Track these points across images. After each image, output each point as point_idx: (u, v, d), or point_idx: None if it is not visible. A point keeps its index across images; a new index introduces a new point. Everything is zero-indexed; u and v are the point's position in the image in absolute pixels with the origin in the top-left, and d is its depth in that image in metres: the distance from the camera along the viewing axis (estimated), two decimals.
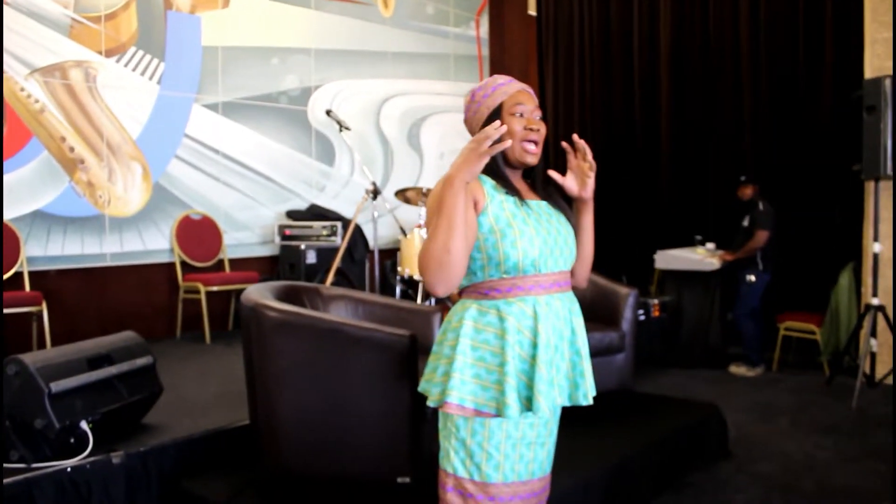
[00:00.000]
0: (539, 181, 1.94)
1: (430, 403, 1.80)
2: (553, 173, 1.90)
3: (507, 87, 1.85)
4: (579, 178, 1.89)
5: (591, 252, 1.98)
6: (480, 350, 1.76)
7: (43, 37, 5.34)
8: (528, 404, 1.74)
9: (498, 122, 1.60)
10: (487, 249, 1.75)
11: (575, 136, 1.87)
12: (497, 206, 1.76)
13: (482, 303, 1.79)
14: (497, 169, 1.82)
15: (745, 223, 5.83)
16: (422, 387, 1.84)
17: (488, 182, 1.81)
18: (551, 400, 1.75)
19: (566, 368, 1.83)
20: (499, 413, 1.73)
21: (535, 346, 1.74)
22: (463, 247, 1.65)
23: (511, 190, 1.80)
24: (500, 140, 1.63)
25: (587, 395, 1.83)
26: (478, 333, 1.77)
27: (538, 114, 1.85)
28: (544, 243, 1.76)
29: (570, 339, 1.83)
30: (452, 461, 1.80)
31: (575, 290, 1.97)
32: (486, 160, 1.63)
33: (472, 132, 1.88)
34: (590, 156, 1.86)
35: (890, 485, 3.52)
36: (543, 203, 1.88)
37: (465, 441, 1.78)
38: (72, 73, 5.50)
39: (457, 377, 1.75)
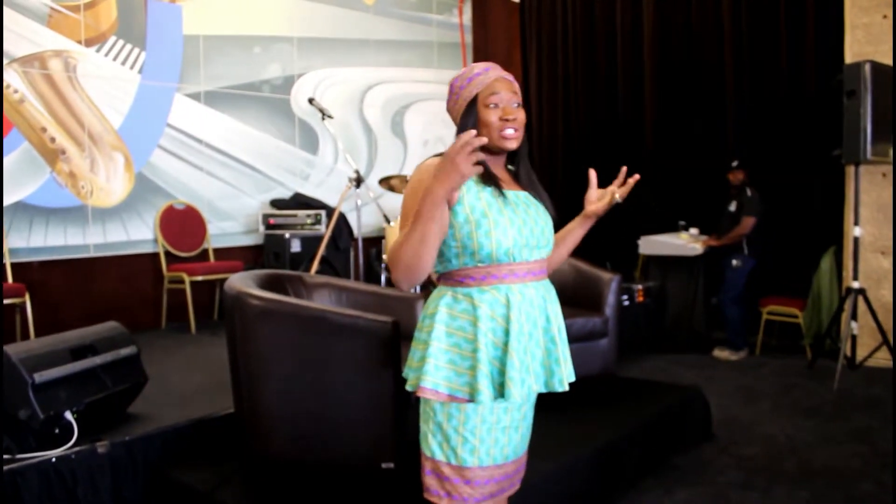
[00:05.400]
0: (523, 171, 1.94)
1: (408, 388, 1.83)
2: (592, 174, 2.03)
3: (483, 77, 1.85)
4: (602, 199, 2.00)
5: (562, 259, 2.07)
6: (455, 336, 1.78)
7: (20, 26, 5.28)
8: (501, 390, 1.75)
9: (474, 132, 1.56)
10: (462, 238, 1.76)
11: (626, 171, 2.03)
12: (473, 197, 1.77)
13: (457, 290, 1.81)
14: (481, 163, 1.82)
15: (732, 208, 5.87)
16: (404, 372, 1.87)
17: None
18: (524, 387, 1.76)
19: (541, 355, 1.84)
20: (471, 398, 1.75)
21: (507, 333, 1.76)
22: (433, 255, 1.68)
23: (490, 181, 1.81)
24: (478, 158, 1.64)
25: (563, 381, 1.84)
26: (452, 320, 1.79)
27: (516, 101, 1.85)
28: (519, 233, 1.78)
29: (544, 327, 1.84)
30: (430, 444, 1.83)
31: (552, 276, 2.00)
32: (468, 178, 1.59)
33: (455, 121, 1.89)
34: (623, 192, 2.01)
35: (890, 462, 3.58)
36: (523, 193, 1.89)
37: (441, 425, 1.80)
38: (51, 63, 5.46)
39: (431, 362, 1.77)
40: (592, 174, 2.02)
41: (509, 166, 1.95)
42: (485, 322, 1.76)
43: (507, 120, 1.81)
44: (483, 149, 1.84)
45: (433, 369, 1.77)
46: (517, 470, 1.94)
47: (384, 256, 6.22)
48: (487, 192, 1.79)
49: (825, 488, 3.33)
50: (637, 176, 1.97)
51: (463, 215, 1.75)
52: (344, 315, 2.79)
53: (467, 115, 1.83)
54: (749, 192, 5.78)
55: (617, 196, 1.96)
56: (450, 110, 1.92)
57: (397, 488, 2.70)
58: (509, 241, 1.76)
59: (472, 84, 1.84)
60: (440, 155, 1.82)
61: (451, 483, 1.81)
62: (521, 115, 1.84)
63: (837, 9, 5.74)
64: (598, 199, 1.99)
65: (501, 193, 1.80)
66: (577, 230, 2.03)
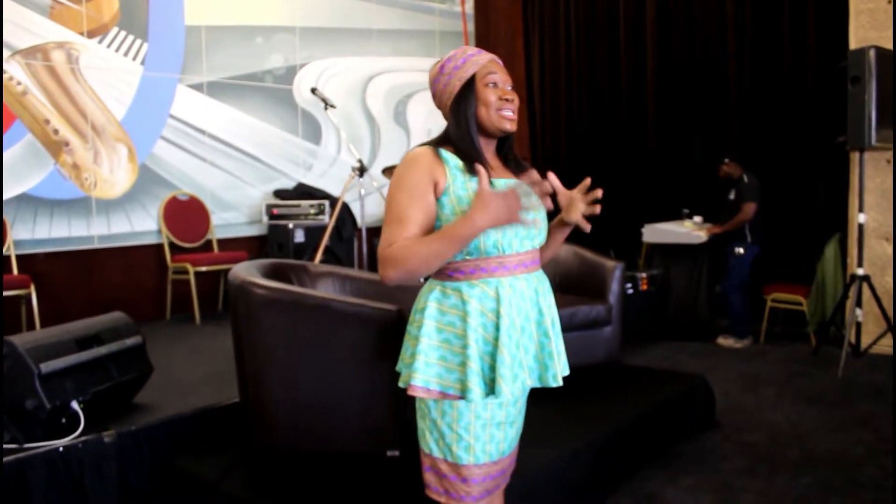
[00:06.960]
0: (512, 157, 1.91)
1: (400, 384, 1.79)
2: (553, 179, 1.86)
3: (478, 58, 1.81)
4: (571, 208, 1.88)
5: (546, 262, 1.96)
6: (445, 332, 1.74)
7: (23, 18, 5.28)
8: (493, 386, 1.71)
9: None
10: None
11: (588, 182, 1.90)
12: (459, 187, 1.73)
13: (446, 284, 1.76)
14: (469, 147, 1.78)
15: (732, 196, 5.86)
16: (398, 366, 1.84)
17: (452, 161, 1.76)
18: (515, 384, 1.72)
19: (535, 349, 1.80)
20: (463, 396, 1.72)
21: (498, 328, 1.71)
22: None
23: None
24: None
25: (556, 376, 1.80)
26: (442, 315, 1.75)
27: (510, 83, 1.82)
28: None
29: (537, 320, 1.79)
30: (427, 441, 1.80)
31: (556, 264, 1.97)
32: (516, 223, 1.63)
33: (443, 107, 1.84)
34: (588, 210, 1.87)
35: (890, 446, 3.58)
36: (513, 181, 1.82)
37: (436, 422, 1.77)
38: (54, 55, 5.45)
39: (421, 359, 1.73)
40: (552, 178, 1.86)
41: (499, 153, 1.91)
42: (475, 318, 1.71)
43: (506, 100, 1.79)
44: (480, 131, 1.81)
45: (423, 366, 1.73)
46: (510, 464, 1.93)
47: None
48: (475, 183, 1.73)
49: (828, 475, 3.33)
50: (599, 191, 1.88)
51: (450, 207, 1.72)
52: (348, 303, 2.79)
53: (463, 96, 1.78)
54: (746, 179, 5.77)
55: (580, 209, 1.87)
56: (438, 94, 1.84)
57: (402, 476, 2.71)
58: (497, 232, 1.71)
59: (468, 64, 1.80)
60: (428, 144, 1.80)
61: (448, 481, 1.79)
62: (517, 99, 1.81)
63: None
64: (566, 204, 1.89)
65: (490, 183, 1.73)
66: (557, 233, 1.94)
